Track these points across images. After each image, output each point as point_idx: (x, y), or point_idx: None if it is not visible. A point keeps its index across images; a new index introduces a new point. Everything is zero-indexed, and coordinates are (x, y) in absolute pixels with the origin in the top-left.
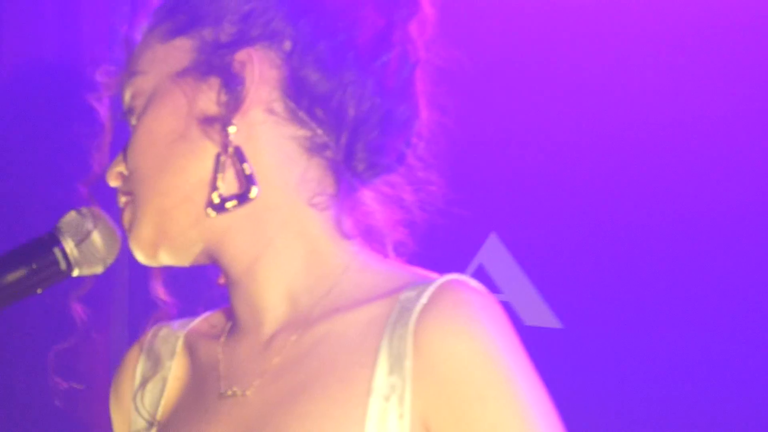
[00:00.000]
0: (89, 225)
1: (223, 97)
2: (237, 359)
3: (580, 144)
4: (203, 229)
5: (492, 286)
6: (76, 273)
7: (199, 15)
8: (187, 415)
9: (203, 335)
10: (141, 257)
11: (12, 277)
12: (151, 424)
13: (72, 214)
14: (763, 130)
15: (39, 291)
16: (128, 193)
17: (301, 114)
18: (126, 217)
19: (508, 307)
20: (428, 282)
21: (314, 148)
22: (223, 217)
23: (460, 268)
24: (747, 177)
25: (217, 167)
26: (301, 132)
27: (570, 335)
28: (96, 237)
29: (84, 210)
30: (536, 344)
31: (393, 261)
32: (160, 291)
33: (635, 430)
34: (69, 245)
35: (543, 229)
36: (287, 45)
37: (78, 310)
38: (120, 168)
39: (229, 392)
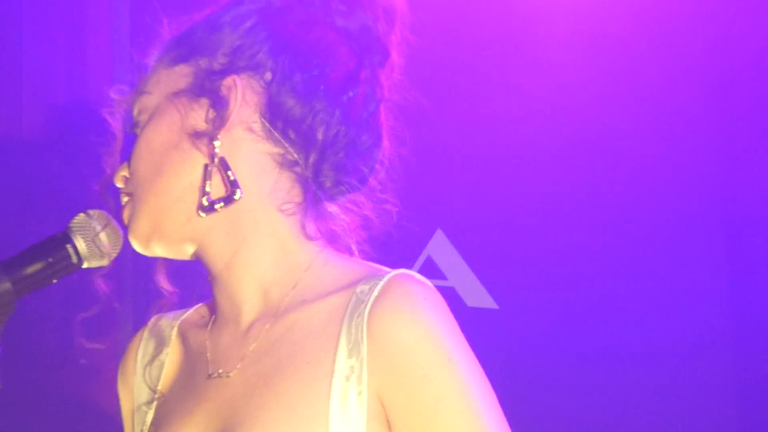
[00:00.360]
0: (96, 225)
1: (211, 115)
2: (221, 345)
3: (508, 150)
4: (192, 227)
5: (438, 274)
6: (85, 265)
7: (198, 46)
8: (181, 394)
9: (194, 324)
10: (138, 248)
11: (32, 269)
12: (152, 400)
13: (81, 216)
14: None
15: (54, 281)
16: (129, 194)
17: (276, 134)
18: (126, 213)
19: (452, 292)
20: (379, 276)
21: (285, 164)
22: (207, 218)
23: (412, 259)
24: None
25: (206, 175)
26: (276, 149)
27: (505, 315)
28: (102, 235)
29: (91, 212)
30: (476, 323)
31: (351, 258)
32: (163, 282)
33: (564, 399)
34: (79, 242)
35: (482, 226)
36: (268, 75)
37: (101, 285)
38: (124, 172)
39: (215, 374)
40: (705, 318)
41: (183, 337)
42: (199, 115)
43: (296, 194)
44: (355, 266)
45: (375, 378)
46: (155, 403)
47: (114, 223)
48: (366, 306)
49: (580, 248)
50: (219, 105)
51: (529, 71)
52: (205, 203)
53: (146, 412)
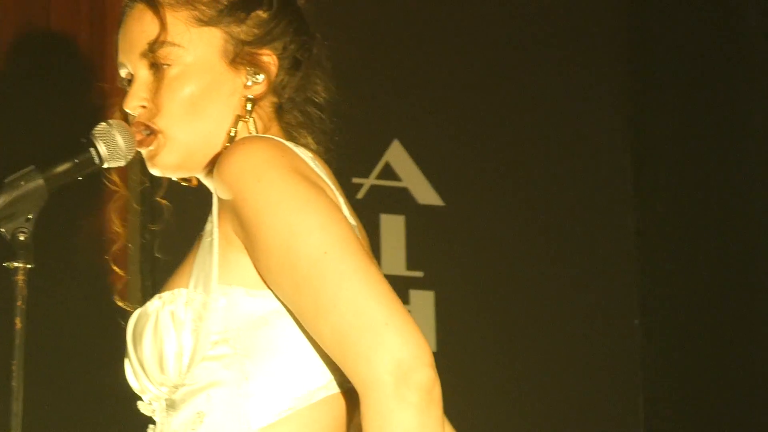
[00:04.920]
0: (115, 132)
1: (251, 81)
2: None
3: (453, 71)
4: (210, 162)
5: (395, 176)
6: (105, 165)
7: (225, 11)
8: None
9: None
10: (157, 173)
11: (61, 168)
12: None
13: (103, 125)
14: None
15: (80, 178)
16: (154, 129)
17: (279, 90)
18: (153, 145)
19: (406, 191)
20: None
21: (279, 110)
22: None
23: (374, 164)
24: None
25: (237, 125)
26: (276, 99)
27: (450, 210)
28: (119, 140)
29: (111, 121)
30: (426, 216)
31: None
32: None
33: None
34: (101, 146)
35: (430, 138)
36: (278, 45)
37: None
38: (140, 102)
39: None
40: None
41: None
42: (240, 79)
43: (278, 131)
44: None
45: (222, 212)
46: None
47: (130, 131)
48: None
49: (514, 153)
50: (260, 75)
51: None
52: None
53: None
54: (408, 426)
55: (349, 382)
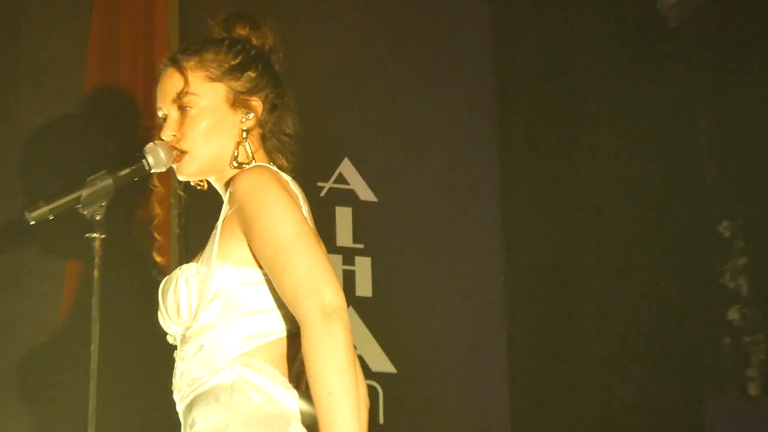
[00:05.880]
0: (159, 148)
1: (245, 119)
2: None
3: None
4: (220, 171)
5: (346, 182)
6: (152, 171)
7: (227, 72)
8: None
9: None
10: (182, 179)
11: (123, 172)
12: None
13: (150, 144)
14: None
15: (136, 179)
16: (181, 150)
17: (263, 123)
18: (178, 160)
19: (352, 192)
20: None
21: (263, 138)
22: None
23: (330, 174)
24: None
25: (237, 148)
26: (260, 131)
27: (382, 205)
28: (162, 154)
29: (156, 142)
30: (364, 208)
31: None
32: None
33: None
34: (149, 158)
35: (372, 155)
36: (262, 95)
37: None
38: (172, 133)
39: None
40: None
41: None
42: (238, 118)
43: (260, 145)
44: None
45: (231, 213)
46: None
47: (169, 148)
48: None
49: (414, 168)
50: (250, 114)
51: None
52: (236, 164)
53: None
54: (330, 341)
55: (293, 331)
